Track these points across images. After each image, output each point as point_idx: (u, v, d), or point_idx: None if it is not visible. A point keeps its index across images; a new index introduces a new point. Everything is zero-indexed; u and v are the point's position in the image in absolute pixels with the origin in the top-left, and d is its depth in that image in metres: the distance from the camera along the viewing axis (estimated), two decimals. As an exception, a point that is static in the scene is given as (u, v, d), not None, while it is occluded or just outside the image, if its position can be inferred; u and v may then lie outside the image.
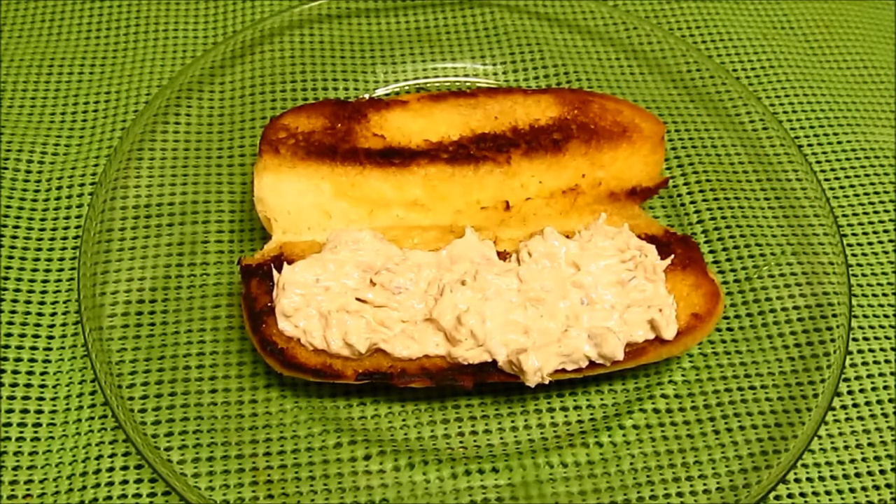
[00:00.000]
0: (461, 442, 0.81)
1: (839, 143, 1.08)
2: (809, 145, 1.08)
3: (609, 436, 0.81)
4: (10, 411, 0.80)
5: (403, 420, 0.82)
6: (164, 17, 1.15)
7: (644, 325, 0.80)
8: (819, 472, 0.81)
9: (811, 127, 1.09)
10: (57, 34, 1.12)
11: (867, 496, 0.79)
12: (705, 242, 0.96)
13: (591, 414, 0.83)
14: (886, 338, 0.90)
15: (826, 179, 1.04)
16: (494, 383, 0.80)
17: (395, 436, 0.81)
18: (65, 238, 0.93)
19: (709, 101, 1.06)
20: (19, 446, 0.78)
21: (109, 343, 0.82)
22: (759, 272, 0.92)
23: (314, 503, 0.76)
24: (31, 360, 0.83)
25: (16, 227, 0.93)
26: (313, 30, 1.12)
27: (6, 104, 1.04)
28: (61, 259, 0.91)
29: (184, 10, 1.16)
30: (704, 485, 0.78)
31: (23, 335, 0.85)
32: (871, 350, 0.89)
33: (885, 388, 0.87)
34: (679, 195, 1.00)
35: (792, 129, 1.09)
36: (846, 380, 0.87)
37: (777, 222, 0.95)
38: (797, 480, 0.80)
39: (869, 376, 0.87)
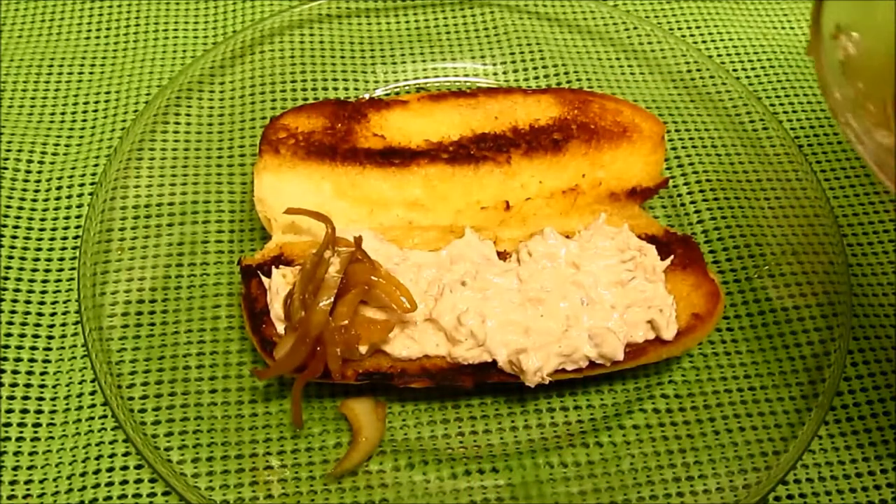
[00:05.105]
0: (461, 442, 0.81)
1: (839, 143, 1.08)
2: (809, 145, 1.08)
3: (609, 436, 0.81)
4: (10, 411, 0.80)
5: (403, 420, 0.82)
6: (164, 17, 1.15)
7: (644, 325, 0.80)
8: (819, 472, 0.81)
9: (811, 127, 1.09)
10: (57, 34, 1.12)
11: (867, 496, 0.79)
12: (705, 242, 0.96)
13: (591, 414, 0.83)
14: (887, 337, 0.90)
15: (826, 179, 1.04)
16: (494, 383, 0.80)
17: (395, 436, 0.81)
18: (65, 238, 0.93)
19: (709, 101, 1.06)
20: (19, 446, 0.78)
21: (109, 343, 0.82)
22: (759, 272, 0.92)
23: (314, 503, 0.76)
24: (31, 360, 0.83)
25: (16, 227, 0.93)
26: (313, 30, 1.12)
27: (6, 104, 1.04)
28: (61, 259, 0.91)
29: (184, 10, 1.16)
30: (704, 485, 0.78)
31: (23, 335, 0.85)
32: (871, 349, 0.89)
33: (887, 386, 0.87)
34: (679, 195, 1.00)
35: (792, 129, 1.09)
36: (846, 379, 0.87)
37: (777, 222, 0.95)
38: (797, 481, 0.80)
39: (871, 375, 0.87)
